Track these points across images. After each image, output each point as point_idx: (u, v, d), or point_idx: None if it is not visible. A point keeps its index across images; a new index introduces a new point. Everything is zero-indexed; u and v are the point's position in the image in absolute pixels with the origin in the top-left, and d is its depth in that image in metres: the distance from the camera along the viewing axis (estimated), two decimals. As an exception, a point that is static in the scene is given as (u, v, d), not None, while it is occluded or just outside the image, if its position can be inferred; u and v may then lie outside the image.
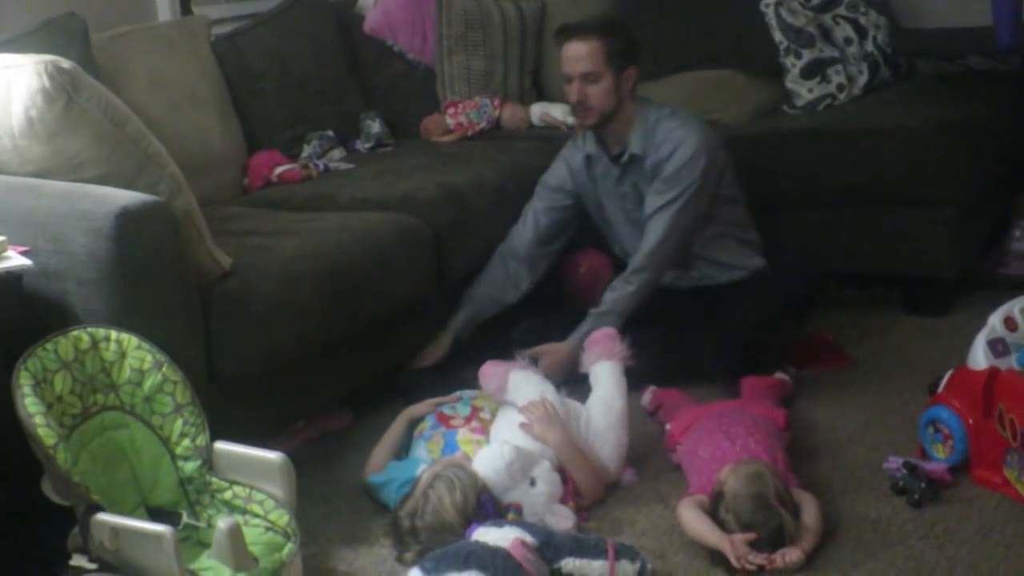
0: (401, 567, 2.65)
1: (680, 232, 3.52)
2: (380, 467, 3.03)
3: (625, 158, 3.60)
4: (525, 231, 3.79)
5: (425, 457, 3.02)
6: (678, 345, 3.54)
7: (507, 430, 2.95)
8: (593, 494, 2.91)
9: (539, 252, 3.80)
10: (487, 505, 2.67)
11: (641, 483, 3.00)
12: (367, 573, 2.71)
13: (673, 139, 3.51)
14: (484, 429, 3.07)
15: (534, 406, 2.95)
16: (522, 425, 2.93)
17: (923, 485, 2.78)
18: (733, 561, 2.51)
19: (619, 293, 3.52)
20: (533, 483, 2.76)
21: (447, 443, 3.05)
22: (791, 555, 2.52)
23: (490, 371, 3.08)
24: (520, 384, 3.03)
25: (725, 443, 2.82)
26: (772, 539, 2.56)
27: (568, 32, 3.56)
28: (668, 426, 3.11)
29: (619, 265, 3.78)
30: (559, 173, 3.80)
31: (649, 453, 3.14)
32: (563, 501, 2.82)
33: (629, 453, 3.04)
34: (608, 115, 3.56)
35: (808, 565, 2.56)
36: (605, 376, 3.10)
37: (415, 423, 3.19)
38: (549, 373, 3.19)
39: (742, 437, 2.83)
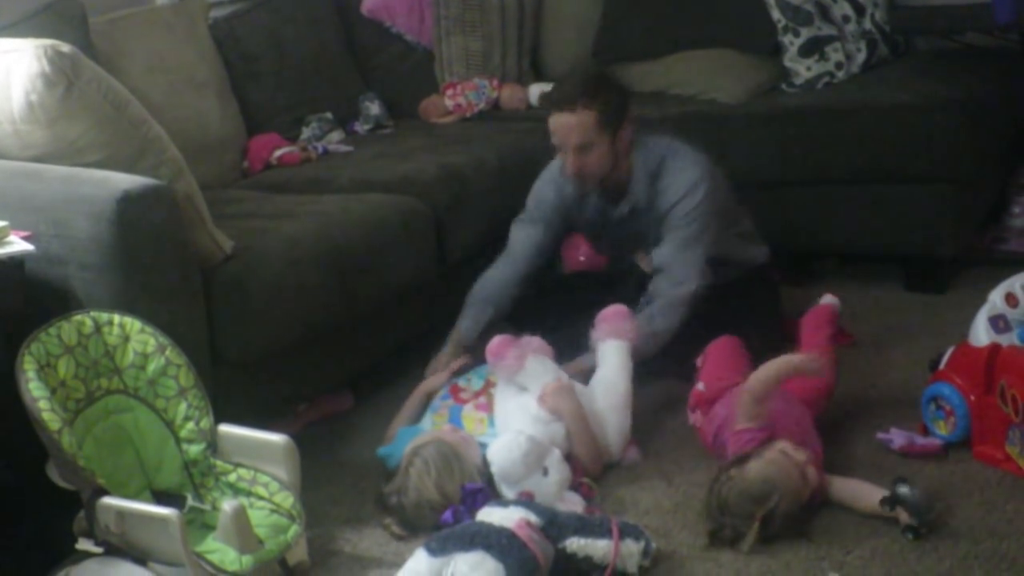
0: (406, 547, 2.66)
1: (702, 261, 3.36)
2: (392, 438, 3.06)
3: (626, 210, 3.47)
4: (534, 258, 3.58)
5: (428, 430, 3.04)
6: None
7: (517, 417, 2.94)
8: (591, 470, 2.93)
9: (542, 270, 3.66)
10: (477, 496, 2.69)
11: (645, 462, 3.01)
12: (371, 554, 2.72)
13: (677, 183, 3.35)
14: (490, 406, 3.09)
15: (552, 382, 2.97)
16: (540, 398, 2.93)
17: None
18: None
19: (654, 327, 3.28)
20: (546, 472, 2.77)
21: (451, 417, 3.08)
22: None
23: (503, 352, 3.04)
24: (536, 369, 3.01)
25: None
26: (730, 537, 2.59)
27: (554, 104, 3.37)
28: (700, 386, 3.08)
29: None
30: (547, 198, 3.58)
31: (652, 432, 3.15)
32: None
33: (633, 433, 3.05)
34: (607, 175, 3.41)
35: (810, 541, 2.58)
36: (611, 355, 3.11)
37: (432, 395, 3.21)
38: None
39: (780, 419, 2.82)
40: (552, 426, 2.90)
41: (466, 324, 3.47)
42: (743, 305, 3.49)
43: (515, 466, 2.74)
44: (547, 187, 3.58)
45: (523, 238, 3.57)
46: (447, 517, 2.66)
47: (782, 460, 2.62)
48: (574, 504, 2.74)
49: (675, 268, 3.33)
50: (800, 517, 2.63)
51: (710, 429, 2.94)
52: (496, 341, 3.06)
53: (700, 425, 3.01)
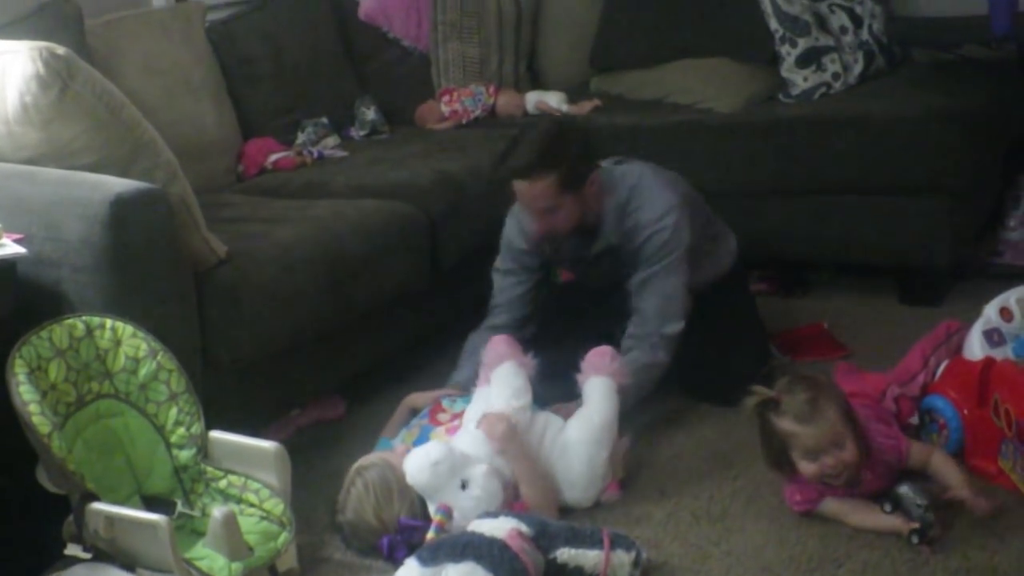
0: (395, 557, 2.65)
1: (682, 289, 3.27)
2: None
3: (602, 247, 3.33)
4: (521, 308, 3.43)
5: (397, 446, 3.00)
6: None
7: (465, 430, 2.88)
8: (543, 510, 2.75)
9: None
10: (413, 533, 2.65)
11: (637, 474, 3.00)
12: (362, 562, 2.72)
13: (644, 220, 3.23)
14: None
15: (493, 419, 2.83)
16: (479, 421, 2.85)
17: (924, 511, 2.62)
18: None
19: (640, 365, 3.17)
20: (464, 486, 2.68)
21: (420, 437, 2.99)
22: None
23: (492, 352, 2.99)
24: (498, 382, 2.92)
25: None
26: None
27: (515, 174, 3.20)
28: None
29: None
30: (517, 245, 3.43)
31: (646, 444, 3.14)
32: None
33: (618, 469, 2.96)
34: (577, 225, 3.28)
35: (802, 557, 2.57)
36: (592, 391, 2.97)
37: (416, 412, 3.16)
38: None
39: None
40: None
41: (463, 375, 3.32)
42: (722, 313, 3.44)
43: (423, 473, 2.65)
44: (514, 234, 3.44)
45: (506, 289, 3.45)
46: (382, 544, 2.65)
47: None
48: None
49: (659, 307, 3.22)
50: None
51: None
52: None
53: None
